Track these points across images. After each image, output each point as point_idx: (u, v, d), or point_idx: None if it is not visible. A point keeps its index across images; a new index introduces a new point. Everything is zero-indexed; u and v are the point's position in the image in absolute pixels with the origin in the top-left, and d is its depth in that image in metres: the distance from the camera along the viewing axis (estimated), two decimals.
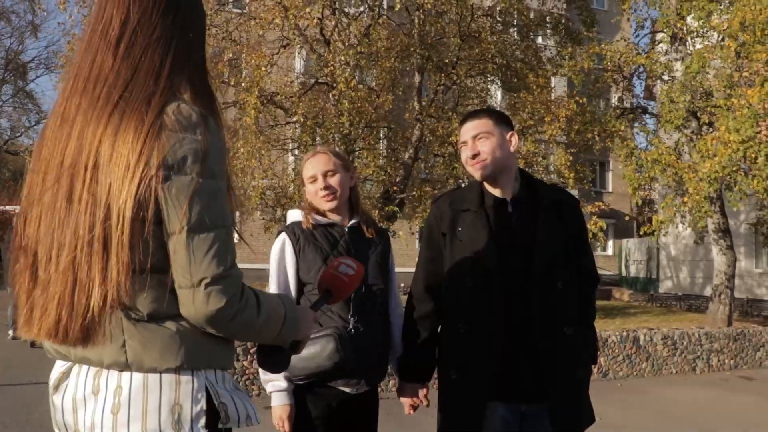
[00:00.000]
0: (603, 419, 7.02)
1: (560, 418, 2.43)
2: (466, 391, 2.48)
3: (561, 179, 12.72)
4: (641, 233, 12.46)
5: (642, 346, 9.12)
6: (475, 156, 2.55)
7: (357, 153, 13.45)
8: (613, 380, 8.82)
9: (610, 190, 31.31)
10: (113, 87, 1.43)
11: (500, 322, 2.43)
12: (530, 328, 2.43)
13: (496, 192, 2.60)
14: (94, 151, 1.39)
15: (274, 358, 1.66)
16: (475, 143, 2.56)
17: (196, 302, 1.36)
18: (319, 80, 13.05)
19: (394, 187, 12.98)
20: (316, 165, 2.73)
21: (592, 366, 2.67)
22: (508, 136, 2.59)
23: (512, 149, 2.60)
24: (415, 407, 2.76)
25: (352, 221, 2.76)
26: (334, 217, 2.74)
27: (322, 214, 2.74)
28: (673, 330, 9.58)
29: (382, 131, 15.67)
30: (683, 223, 11.98)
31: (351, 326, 2.58)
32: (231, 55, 12.15)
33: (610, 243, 30.50)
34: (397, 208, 12.50)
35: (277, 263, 2.70)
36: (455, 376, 2.52)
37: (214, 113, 1.52)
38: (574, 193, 17.98)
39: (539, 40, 16.03)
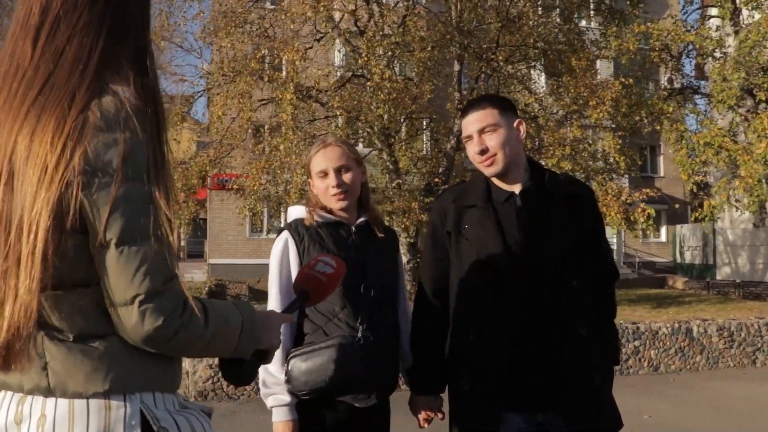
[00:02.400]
0: (654, 417, 6.77)
1: (576, 425, 2.25)
2: (479, 401, 2.32)
3: (609, 165, 12.31)
4: (693, 219, 11.97)
5: (695, 338, 8.71)
6: (483, 152, 2.36)
7: (397, 146, 13.31)
8: (665, 374, 8.44)
9: (662, 174, 30.40)
10: (32, 81, 1.27)
11: (512, 326, 2.27)
12: (544, 331, 2.26)
13: (504, 185, 2.42)
14: (8, 154, 1.24)
15: (237, 371, 1.53)
16: (482, 138, 2.38)
17: (130, 321, 1.23)
18: (356, 73, 12.90)
19: (437, 179, 12.77)
20: (328, 159, 2.50)
21: (614, 367, 2.49)
22: (515, 125, 2.41)
23: (521, 139, 2.42)
24: (429, 420, 2.58)
25: (360, 219, 2.56)
26: (342, 215, 2.54)
27: (329, 211, 2.55)
28: (729, 321, 9.12)
29: (424, 122, 15.52)
30: (737, 208, 11.44)
31: (360, 335, 2.38)
32: (264, 51, 12.07)
33: (664, 229, 29.64)
34: None
35: (278, 265, 2.51)
36: (467, 386, 2.36)
37: (157, 103, 1.36)
38: (624, 180, 17.54)
39: (582, 22, 15.54)
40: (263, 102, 13.15)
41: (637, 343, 8.43)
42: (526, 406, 2.28)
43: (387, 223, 11.76)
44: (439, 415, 2.56)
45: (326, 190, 2.49)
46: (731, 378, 8.19)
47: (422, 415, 2.55)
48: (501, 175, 2.40)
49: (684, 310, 12.73)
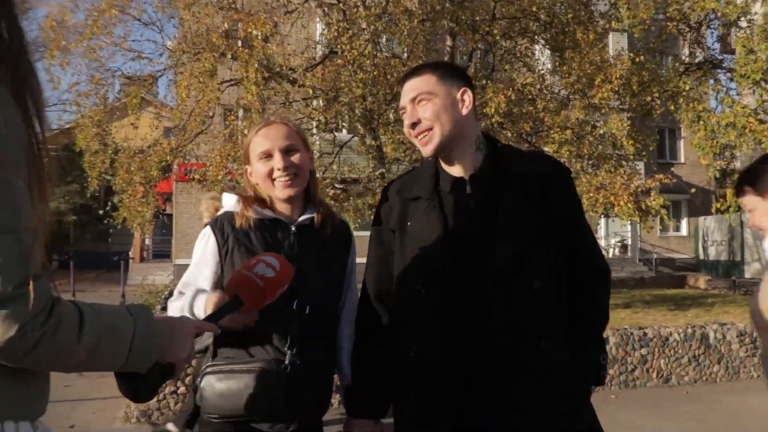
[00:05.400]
0: None
1: None
2: (422, 429, 2.21)
3: (617, 151, 12.17)
4: (714, 210, 11.86)
5: (713, 344, 8.59)
6: (414, 125, 2.26)
7: (382, 130, 13.17)
8: (677, 386, 8.33)
9: (682, 160, 30.37)
10: None
11: (457, 340, 2.13)
12: (495, 346, 2.12)
13: (453, 170, 2.30)
14: None
15: (134, 387, 1.49)
16: (415, 108, 2.27)
17: None
18: (333, 49, 12.74)
19: None
20: (272, 138, 2.38)
21: (593, 388, 2.33)
22: (459, 95, 2.27)
23: (466, 111, 2.27)
24: None
25: (304, 217, 2.42)
26: (283, 210, 2.42)
27: (268, 204, 2.42)
28: (751, 325, 8.97)
29: None
30: None
31: (287, 361, 2.25)
32: (228, 25, 11.91)
33: (684, 222, 29.62)
34: None
35: (195, 265, 2.40)
36: (408, 413, 2.25)
37: (21, 69, 1.32)
38: (639, 166, 17.37)
39: None
40: (230, 83, 12.98)
41: (644, 351, 8.31)
42: None
43: (368, 219, 11.38)
44: None
45: (268, 175, 2.37)
46: (754, 391, 8.04)
47: None
48: (445, 157, 2.29)
49: (704, 312, 12.63)
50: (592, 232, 2.42)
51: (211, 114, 12.99)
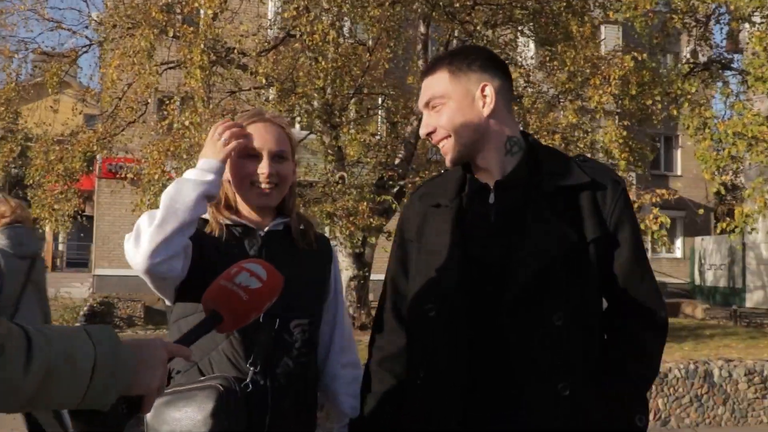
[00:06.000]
0: None
1: None
2: None
3: (610, 161, 12.29)
4: (719, 231, 12.01)
5: (717, 383, 8.69)
6: (430, 134, 2.24)
7: (345, 128, 13.15)
8: (677, 430, 8.40)
9: (680, 173, 30.90)
10: None
11: (462, 371, 2.11)
12: (502, 386, 2.09)
13: (479, 174, 2.26)
14: None
15: (91, 427, 1.40)
16: (430, 115, 2.25)
17: None
18: (290, 32, 12.67)
19: (391, 172, 12.63)
20: (265, 138, 2.38)
21: None
22: (478, 91, 2.20)
23: (488, 110, 2.20)
24: None
25: (275, 222, 2.42)
26: (252, 217, 2.41)
27: (235, 210, 2.41)
28: (762, 362, 9.13)
29: (378, 99, 15.40)
30: None
31: (248, 379, 2.23)
32: None
33: (679, 242, 30.09)
34: (392, 199, 12.12)
35: None
36: None
37: None
38: (631, 176, 17.53)
39: None
40: (170, 65, 12.83)
41: None
42: None
43: (327, 228, 11.38)
44: None
45: (249, 177, 2.35)
46: None
47: None
48: (470, 162, 2.26)
49: (703, 346, 12.85)
50: (645, 259, 2.26)
51: (146, 101, 12.83)
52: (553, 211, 2.14)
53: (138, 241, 2.13)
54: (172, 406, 2.14)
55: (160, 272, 2.16)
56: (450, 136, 2.20)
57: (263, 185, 2.35)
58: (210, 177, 2.22)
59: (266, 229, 2.41)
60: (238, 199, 2.41)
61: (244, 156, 2.36)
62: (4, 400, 1.23)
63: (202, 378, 2.21)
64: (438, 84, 2.22)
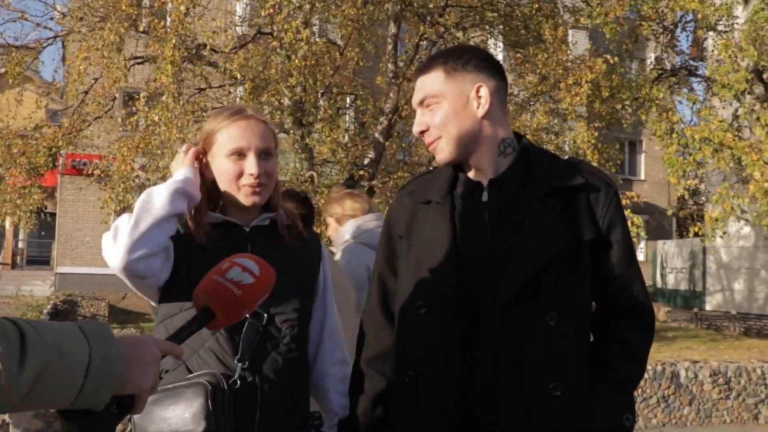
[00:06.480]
0: None
1: None
2: None
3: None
4: (692, 234, 12.16)
5: (683, 384, 8.81)
6: (422, 133, 2.23)
7: (313, 127, 13.09)
8: (645, 430, 8.50)
9: (643, 177, 31.26)
10: None
11: (452, 370, 2.10)
12: (496, 387, 2.08)
13: (472, 173, 2.25)
14: None
15: (81, 428, 1.32)
16: (423, 113, 2.23)
17: None
18: (262, 30, 12.61)
19: (361, 171, 12.61)
20: (250, 135, 2.34)
21: None
22: (473, 92, 2.19)
23: (482, 111, 2.19)
24: None
25: (261, 217, 2.41)
26: (237, 214, 2.39)
27: (220, 208, 2.40)
28: (725, 363, 9.28)
29: (348, 99, 15.38)
30: (745, 220, 11.70)
31: (236, 375, 2.21)
32: None
33: (642, 245, 30.44)
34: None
35: None
36: None
37: None
38: None
39: None
40: (138, 60, 12.69)
41: None
42: None
43: None
44: None
45: (237, 177, 2.33)
46: None
47: None
48: (461, 162, 2.24)
49: (666, 348, 13.00)
50: (635, 261, 2.29)
51: (113, 96, 12.68)
52: (548, 211, 2.15)
53: (115, 239, 2.12)
54: (159, 404, 2.12)
55: (138, 270, 2.14)
56: (443, 136, 2.19)
57: (253, 185, 2.33)
58: (179, 177, 2.24)
59: (252, 224, 2.39)
60: (224, 197, 2.39)
61: (231, 155, 2.34)
62: (7, 404, 1.17)
63: (190, 375, 2.19)
64: (433, 83, 2.21)
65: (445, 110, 2.19)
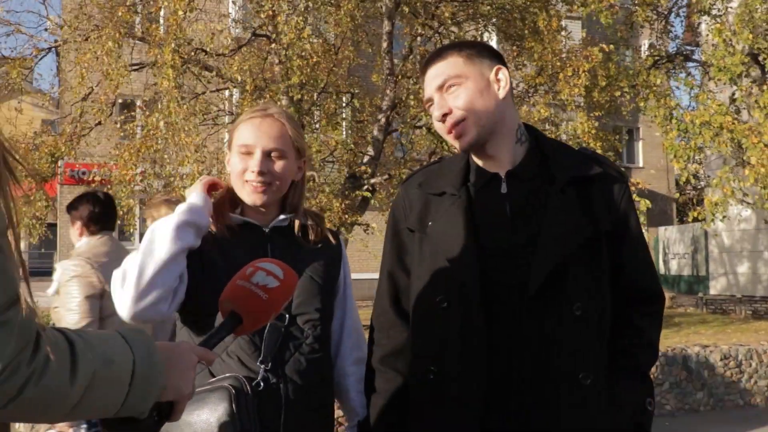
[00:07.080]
0: None
1: None
2: None
3: None
4: (691, 219, 12.16)
5: (694, 369, 8.77)
6: (446, 116, 2.17)
7: (314, 126, 13.08)
8: (657, 418, 8.40)
9: (641, 164, 31.20)
10: None
11: (480, 363, 2.09)
12: (526, 378, 2.08)
13: (487, 164, 2.24)
14: None
15: None
16: (443, 97, 2.19)
17: None
18: (257, 32, 12.59)
19: (363, 167, 12.62)
20: (259, 134, 2.35)
21: None
22: (493, 75, 2.20)
23: (503, 93, 2.20)
24: None
25: (280, 218, 2.41)
26: (256, 214, 2.40)
27: (239, 208, 2.41)
28: (735, 346, 9.25)
29: (343, 98, 15.37)
30: (746, 203, 11.71)
31: (259, 378, 2.21)
32: None
33: (643, 232, 30.40)
34: (369, 194, 12.11)
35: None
36: None
37: None
38: None
39: None
40: (135, 67, 12.67)
41: None
42: None
43: None
44: None
45: (241, 174, 2.34)
46: (740, 421, 8.21)
47: None
48: (478, 150, 2.22)
49: (674, 333, 12.96)
50: (647, 250, 2.33)
51: (113, 102, 12.67)
52: (568, 201, 2.15)
53: (123, 285, 2.13)
54: (184, 410, 2.13)
55: (146, 317, 2.16)
56: (468, 117, 2.15)
57: (254, 183, 2.33)
58: (184, 208, 2.24)
59: (271, 225, 2.40)
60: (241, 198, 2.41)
61: (240, 152, 2.36)
62: (51, 411, 1.18)
63: (212, 380, 2.19)
64: (453, 67, 2.19)
65: (470, 90, 2.17)
